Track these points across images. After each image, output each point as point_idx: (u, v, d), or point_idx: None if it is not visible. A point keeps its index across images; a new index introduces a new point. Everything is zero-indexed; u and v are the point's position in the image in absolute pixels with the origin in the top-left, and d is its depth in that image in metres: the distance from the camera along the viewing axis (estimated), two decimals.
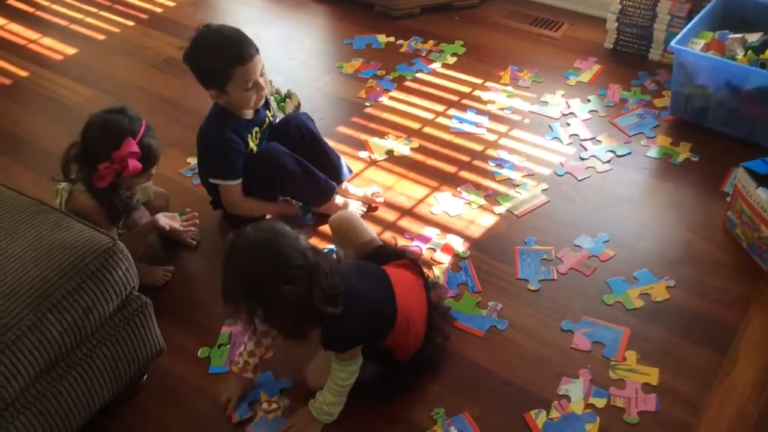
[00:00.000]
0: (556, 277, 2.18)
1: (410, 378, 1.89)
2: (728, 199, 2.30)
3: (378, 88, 3.02)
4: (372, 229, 2.12)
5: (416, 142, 2.73)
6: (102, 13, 3.70)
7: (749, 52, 2.54)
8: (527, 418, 1.82)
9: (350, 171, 2.52)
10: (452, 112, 2.88)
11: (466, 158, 2.65)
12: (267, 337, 1.87)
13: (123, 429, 1.86)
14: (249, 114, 2.25)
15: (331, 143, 2.53)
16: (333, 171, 2.41)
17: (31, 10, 3.76)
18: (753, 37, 2.61)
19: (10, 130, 2.92)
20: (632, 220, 2.37)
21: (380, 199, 2.46)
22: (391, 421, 1.83)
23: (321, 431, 1.80)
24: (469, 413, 1.83)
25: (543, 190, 2.49)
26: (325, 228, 2.27)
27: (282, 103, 2.72)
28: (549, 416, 1.81)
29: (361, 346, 1.74)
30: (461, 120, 2.84)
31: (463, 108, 2.90)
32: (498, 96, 2.94)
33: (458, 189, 2.52)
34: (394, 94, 2.99)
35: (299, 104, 2.83)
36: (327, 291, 1.61)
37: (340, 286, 1.64)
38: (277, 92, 2.82)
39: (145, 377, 1.95)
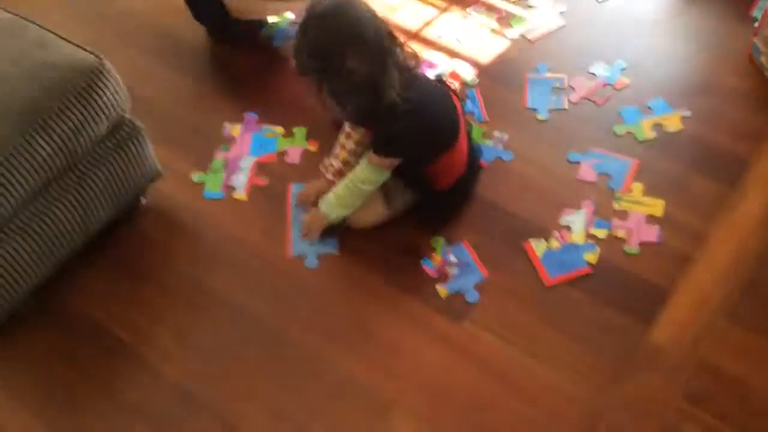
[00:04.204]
0: (566, 107, 2.09)
1: (451, 205, 1.88)
2: (755, 24, 2.14)
3: None
4: None
5: None
6: None
7: None
8: (527, 246, 1.81)
9: None
10: None
11: None
12: (350, 140, 1.85)
13: (122, 252, 1.88)
14: None
15: None
16: None
17: None
18: None
19: None
20: (652, 47, 2.23)
21: None
22: (390, 248, 1.83)
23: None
24: (468, 241, 1.83)
25: (560, 13, 2.32)
26: None
27: None
28: (549, 245, 1.80)
29: (400, 160, 1.69)
30: None
31: None
32: None
33: (468, 10, 2.35)
34: None
35: None
36: (396, 80, 1.57)
37: (412, 80, 1.62)
38: None
39: (144, 201, 1.95)
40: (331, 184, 1.85)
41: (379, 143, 1.68)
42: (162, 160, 1.91)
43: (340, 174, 1.86)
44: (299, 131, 2.09)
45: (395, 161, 1.70)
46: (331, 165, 1.89)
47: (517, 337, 1.66)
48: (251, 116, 2.14)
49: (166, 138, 2.07)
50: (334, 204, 1.77)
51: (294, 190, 1.95)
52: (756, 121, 2.03)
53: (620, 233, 1.82)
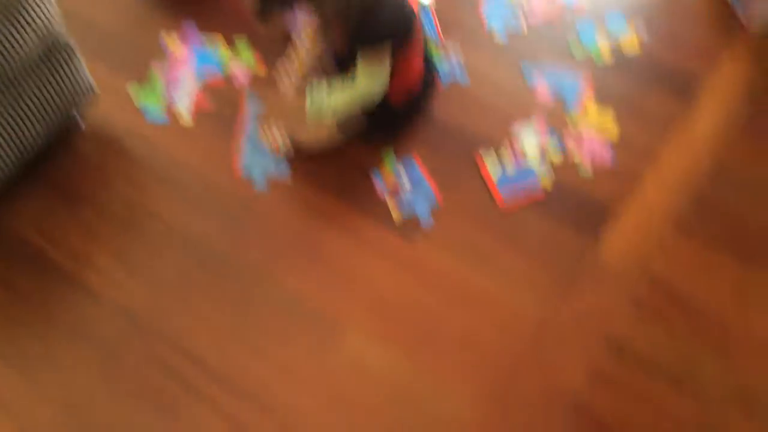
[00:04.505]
0: (524, 27, 2.04)
1: (404, 120, 1.83)
2: None
3: None
4: None
5: None
6: None
7: None
8: (478, 160, 1.78)
9: None
10: None
11: None
12: (309, 55, 1.83)
13: (60, 175, 1.81)
14: None
15: None
16: None
17: None
18: None
19: None
20: None
21: None
22: (342, 168, 1.79)
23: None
24: (418, 154, 1.79)
25: None
26: None
27: None
28: (502, 163, 1.77)
29: (388, 51, 1.62)
30: None
31: None
32: None
33: None
34: None
35: None
36: None
37: None
38: None
39: (83, 125, 1.86)
40: (294, 102, 1.79)
41: (365, 37, 1.60)
42: (101, 82, 1.83)
43: (302, 91, 1.81)
44: (241, 43, 2.03)
45: (388, 57, 1.62)
46: (292, 83, 1.82)
47: (468, 255, 1.64)
48: (189, 24, 2.06)
49: (102, 54, 1.98)
50: (327, 102, 1.69)
51: (251, 106, 1.89)
52: (711, 40, 2.00)
53: (574, 154, 1.79)
